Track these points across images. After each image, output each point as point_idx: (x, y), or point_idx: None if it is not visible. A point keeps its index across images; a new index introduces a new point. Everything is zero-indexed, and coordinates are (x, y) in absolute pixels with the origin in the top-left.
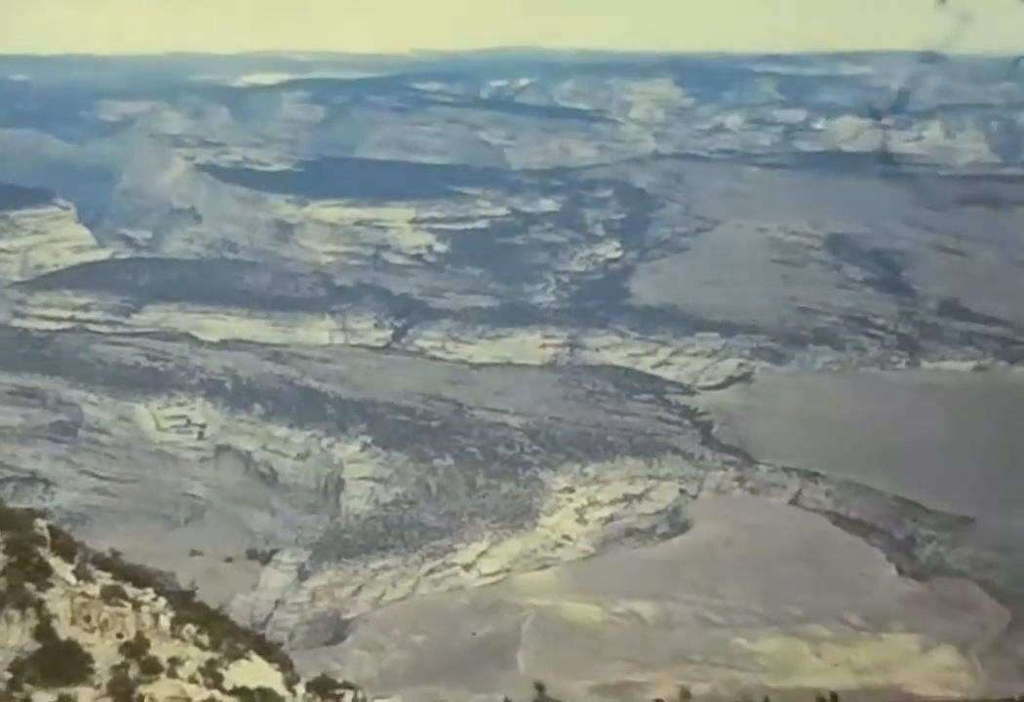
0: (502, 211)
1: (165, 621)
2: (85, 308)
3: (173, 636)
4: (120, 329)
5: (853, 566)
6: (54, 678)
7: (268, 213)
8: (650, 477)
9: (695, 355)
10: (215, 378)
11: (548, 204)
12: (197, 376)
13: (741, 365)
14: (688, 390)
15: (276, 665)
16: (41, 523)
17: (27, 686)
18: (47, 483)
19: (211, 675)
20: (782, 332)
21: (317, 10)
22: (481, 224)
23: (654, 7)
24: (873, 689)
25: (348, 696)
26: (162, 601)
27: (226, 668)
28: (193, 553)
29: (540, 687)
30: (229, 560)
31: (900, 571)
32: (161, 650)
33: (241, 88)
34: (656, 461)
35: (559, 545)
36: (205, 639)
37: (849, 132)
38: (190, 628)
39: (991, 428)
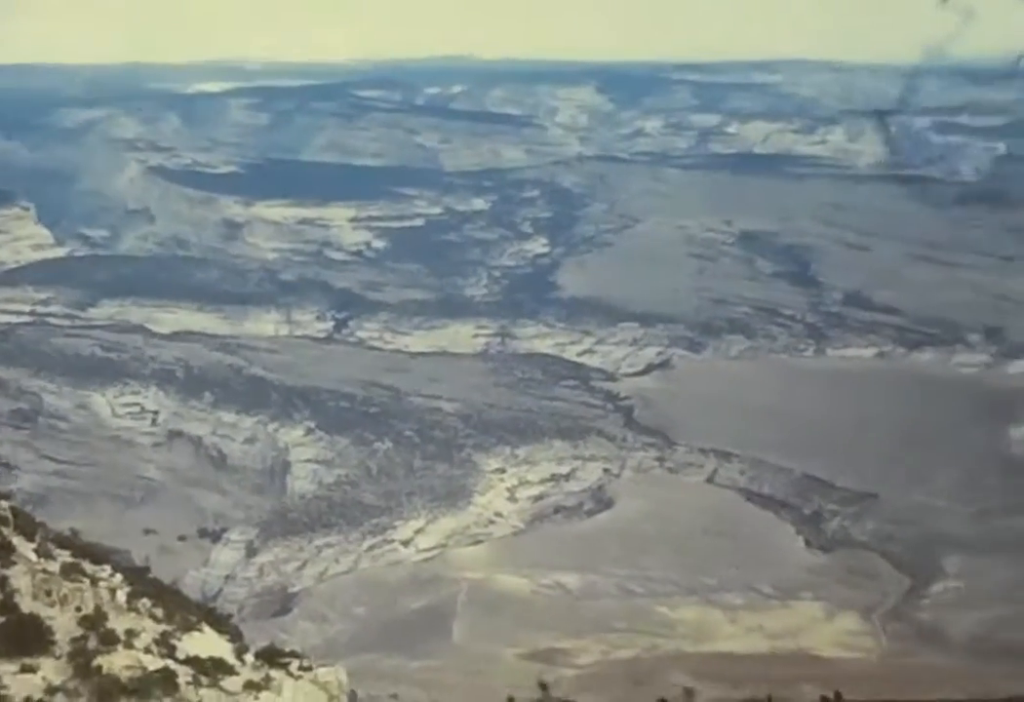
0: (437, 210)
1: (121, 595)
2: (45, 303)
3: (129, 610)
4: (78, 322)
5: (764, 539)
6: (17, 649)
7: (217, 213)
8: (576, 458)
9: (617, 344)
10: (167, 368)
11: (480, 203)
12: (150, 366)
13: (660, 353)
14: (611, 376)
15: (226, 636)
16: (4, 504)
17: None
18: (9, 467)
19: (165, 646)
20: (698, 322)
21: (262, 21)
22: (417, 222)
23: (578, 18)
24: (782, 653)
25: (294, 664)
26: (118, 577)
27: (179, 639)
28: (147, 532)
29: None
30: (181, 538)
31: (808, 543)
32: (118, 623)
33: (191, 95)
34: (581, 443)
35: (491, 522)
36: (159, 612)
37: (759, 135)
38: (145, 602)
39: (891, 410)
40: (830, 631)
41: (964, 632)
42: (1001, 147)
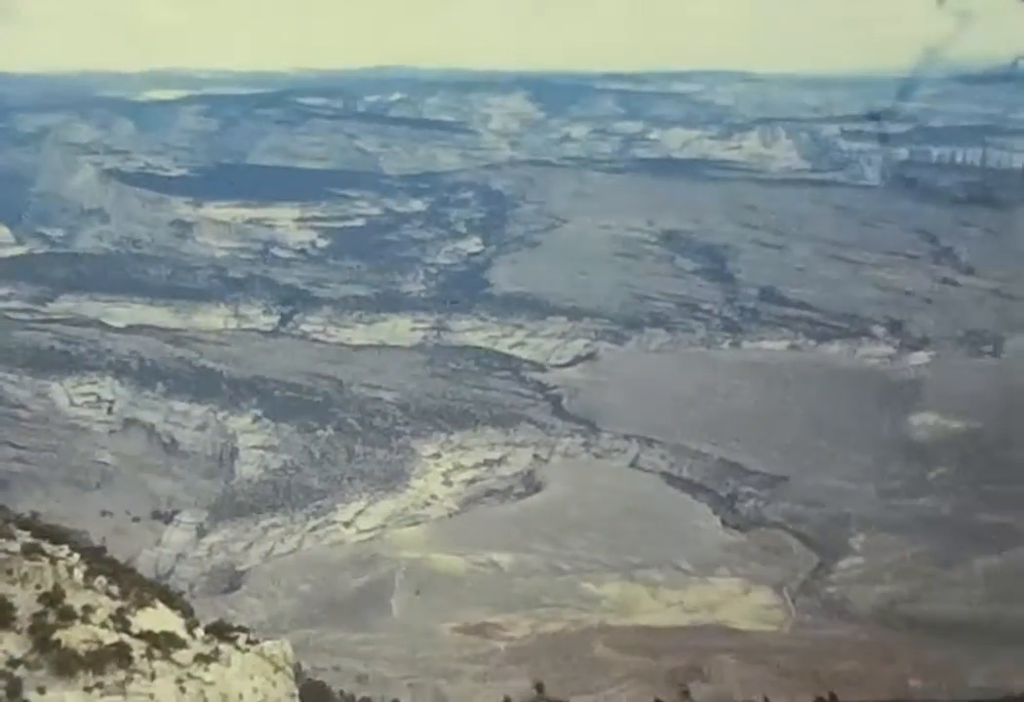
0: (377, 211)
1: (79, 574)
2: (5, 298)
3: (86, 587)
4: (37, 316)
5: (683, 519)
6: None
7: (168, 213)
8: (507, 444)
9: (547, 337)
10: (122, 359)
11: (417, 204)
12: (106, 358)
13: (587, 345)
14: (540, 368)
15: (178, 612)
16: None
17: None
18: None
19: (120, 621)
20: (622, 316)
21: (210, 32)
22: (358, 222)
23: (510, 31)
24: (700, 626)
25: (242, 638)
26: (76, 556)
27: (134, 615)
28: (103, 514)
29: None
30: (136, 520)
31: (724, 523)
32: (76, 599)
33: (143, 102)
34: (512, 430)
35: (427, 504)
36: (115, 589)
37: (679, 141)
38: (101, 580)
39: (802, 399)
40: (745, 605)
41: (868, 605)
42: (904, 153)
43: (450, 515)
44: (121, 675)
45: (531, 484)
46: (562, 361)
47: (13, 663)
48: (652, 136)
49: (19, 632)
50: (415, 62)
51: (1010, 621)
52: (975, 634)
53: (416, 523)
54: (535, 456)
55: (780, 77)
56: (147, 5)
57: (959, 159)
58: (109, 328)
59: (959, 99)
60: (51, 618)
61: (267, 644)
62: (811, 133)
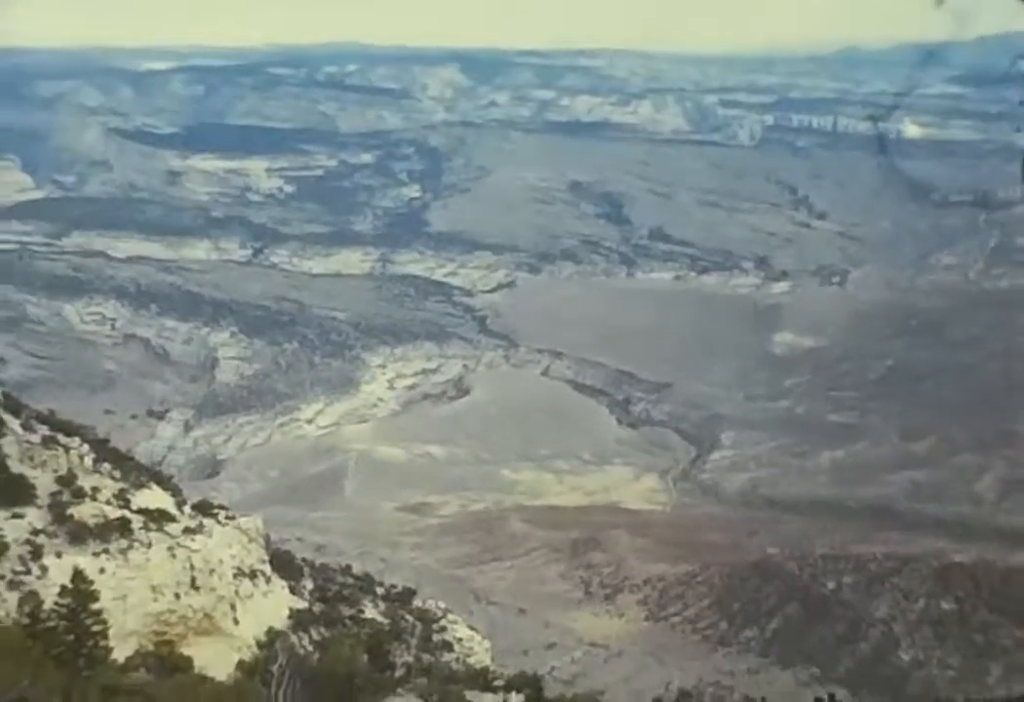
0: (333, 163)
1: (88, 461)
2: (27, 234)
3: (94, 471)
4: (53, 249)
5: (586, 418)
6: (8, 501)
7: (161, 164)
8: (441, 356)
9: (474, 268)
10: (123, 285)
11: (367, 158)
12: (109, 283)
13: (507, 275)
14: (469, 293)
15: (169, 492)
16: None
17: None
18: (1, 361)
19: (122, 499)
20: (537, 251)
21: (197, 13)
22: (318, 172)
23: (444, 12)
24: (599, 504)
25: (222, 514)
26: (85, 446)
27: (133, 494)
28: (107, 412)
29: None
30: (134, 417)
31: (619, 422)
32: (85, 481)
33: (141, 72)
34: (445, 344)
35: (375, 405)
36: (117, 474)
37: (585, 108)
38: (106, 466)
39: (684, 320)
40: (635, 488)
41: (735, 488)
42: (770, 119)
43: (393, 414)
44: (123, 543)
45: (460, 389)
46: (487, 288)
47: (35, 533)
48: (563, 103)
49: (40, 508)
50: (366, 39)
51: (850, 501)
52: (821, 511)
53: (365, 421)
54: (464, 366)
55: (668, 55)
56: None
57: (815, 124)
58: (112, 259)
59: (815, 76)
60: (66, 496)
61: (242, 519)
62: (694, 102)
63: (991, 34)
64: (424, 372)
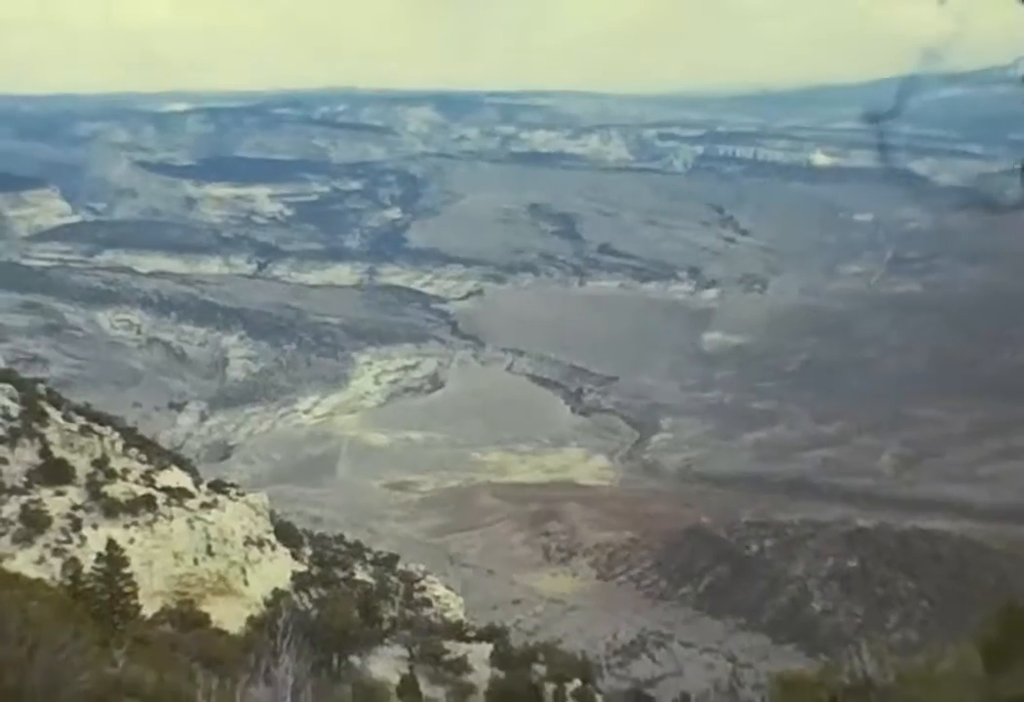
0: (327, 189)
1: (119, 446)
2: (67, 252)
3: (124, 455)
4: (87, 265)
5: (544, 408)
6: (52, 481)
7: (180, 191)
8: (419, 355)
9: (447, 279)
10: (147, 295)
11: (355, 185)
12: (136, 294)
13: (476, 284)
14: (443, 300)
15: (188, 473)
16: (41, 386)
17: (36, 485)
18: (44, 361)
19: (148, 479)
20: (501, 264)
21: (210, 62)
22: (314, 197)
23: (420, 60)
24: (557, 481)
25: (233, 492)
26: (116, 434)
27: (157, 475)
28: (135, 405)
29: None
30: (157, 409)
31: (572, 410)
32: (117, 464)
33: (163, 113)
34: (423, 345)
35: (363, 398)
36: (143, 457)
37: (542, 140)
38: (134, 450)
39: (629, 322)
40: (587, 467)
41: (672, 467)
42: (700, 149)
43: (378, 405)
44: (149, 516)
45: (436, 383)
46: (458, 296)
47: (75, 508)
48: (523, 136)
49: (78, 486)
50: (355, 84)
51: (769, 477)
52: (746, 485)
53: (354, 411)
54: (439, 363)
55: (613, 95)
56: (167, 46)
57: (738, 154)
58: (137, 273)
59: (738, 113)
60: (100, 476)
61: (250, 496)
62: (635, 135)
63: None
64: (405, 369)
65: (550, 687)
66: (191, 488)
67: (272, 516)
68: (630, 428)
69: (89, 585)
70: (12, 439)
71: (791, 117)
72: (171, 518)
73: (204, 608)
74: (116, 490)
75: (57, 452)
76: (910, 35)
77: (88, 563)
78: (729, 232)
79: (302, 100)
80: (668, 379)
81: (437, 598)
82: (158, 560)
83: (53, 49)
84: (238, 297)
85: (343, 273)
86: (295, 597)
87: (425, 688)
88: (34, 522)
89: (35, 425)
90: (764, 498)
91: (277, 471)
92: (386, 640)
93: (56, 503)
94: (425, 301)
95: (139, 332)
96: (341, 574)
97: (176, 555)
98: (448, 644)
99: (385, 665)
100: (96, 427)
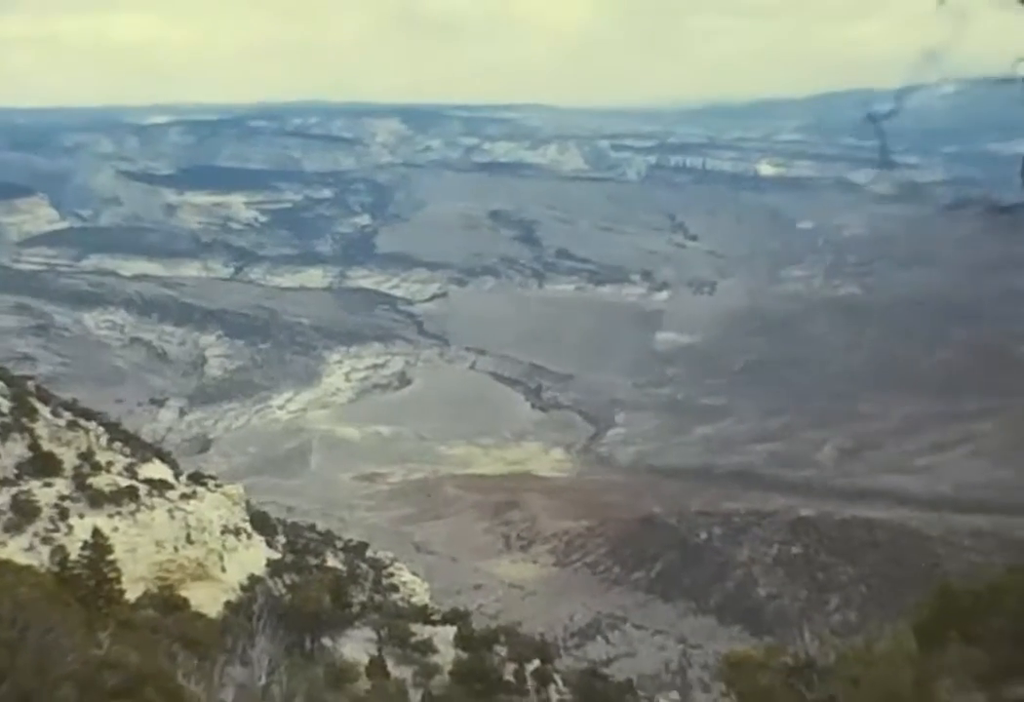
0: (299, 197)
1: (103, 440)
2: (54, 257)
3: (108, 449)
4: (74, 269)
5: (505, 404)
6: (40, 473)
7: (160, 199)
8: (387, 353)
9: (414, 282)
10: (130, 297)
11: (327, 193)
12: (119, 296)
13: (440, 287)
14: (410, 302)
15: (168, 465)
16: (31, 383)
17: (26, 476)
18: (33, 360)
19: (131, 471)
20: (464, 268)
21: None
22: (287, 205)
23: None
24: (517, 473)
25: (211, 483)
26: (101, 428)
27: (139, 467)
28: (118, 401)
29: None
30: (140, 404)
31: (532, 406)
32: (102, 456)
33: (145, 125)
34: (391, 344)
35: (334, 394)
36: (127, 450)
37: (503, 150)
38: (118, 444)
39: (585, 323)
40: (546, 460)
41: (626, 459)
42: (652, 160)
43: (349, 401)
44: (132, 506)
45: (403, 380)
46: (424, 298)
47: (62, 498)
48: (485, 147)
49: (66, 478)
50: (326, 97)
51: (717, 468)
52: (694, 477)
53: (326, 406)
54: (406, 362)
55: (571, 109)
56: (151, 63)
57: (688, 164)
58: (121, 277)
59: (687, 126)
60: (86, 469)
61: (227, 487)
62: (591, 146)
63: (837, 91)
64: (374, 367)
65: (511, 667)
66: (171, 480)
67: (248, 506)
68: (586, 423)
69: (76, 571)
70: (3, 434)
71: (738, 129)
72: (153, 508)
73: (184, 593)
74: (101, 482)
75: (45, 446)
76: (848, 53)
77: (75, 550)
78: (679, 238)
79: (277, 113)
80: (622, 376)
81: (404, 584)
82: (141, 548)
83: (45, 65)
84: (216, 299)
85: (315, 276)
86: (270, 583)
87: (393, 668)
88: (24, 512)
89: (25, 420)
90: (713, 489)
91: (253, 463)
92: (356, 623)
93: (45, 494)
94: (393, 303)
95: (122, 332)
96: (313, 561)
97: (158, 543)
98: (414, 627)
99: (355, 647)
100: (82, 422)
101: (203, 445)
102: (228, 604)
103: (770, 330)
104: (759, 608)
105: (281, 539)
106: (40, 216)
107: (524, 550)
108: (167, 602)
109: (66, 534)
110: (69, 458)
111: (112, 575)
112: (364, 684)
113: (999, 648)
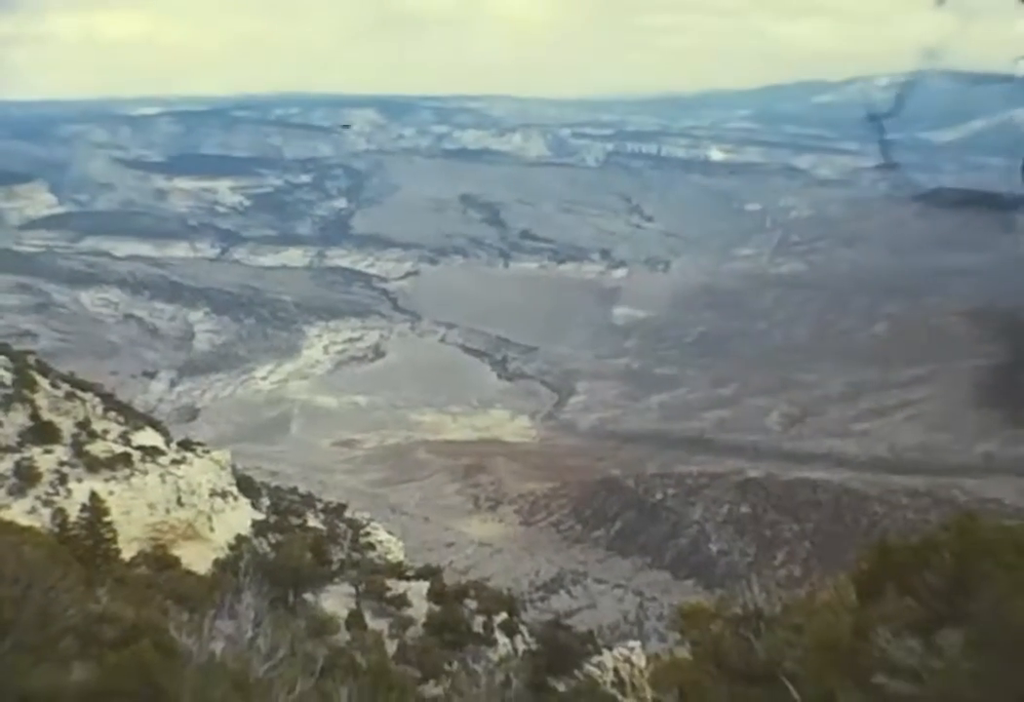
0: (280, 182)
1: (99, 410)
2: (53, 239)
3: (104, 418)
4: (72, 250)
5: (473, 374)
6: (41, 441)
7: (152, 184)
8: (363, 328)
9: (388, 260)
10: (123, 277)
11: (306, 178)
12: (114, 276)
13: (413, 266)
14: (384, 280)
15: (160, 433)
16: (31, 357)
17: (27, 444)
18: (34, 335)
19: (124, 439)
20: (435, 247)
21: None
22: (269, 189)
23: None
24: (485, 438)
25: (200, 449)
26: (97, 399)
27: (133, 435)
28: (112, 373)
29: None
30: (133, 377)
31: (499, 376)
32: (98, 425)
33: (137, 116)
34: (367, 319)
35: (313, 366)
36: (121, 419)
37: (472, 138)
38: (112, 413)
39: (547, 299)
40: (512, 426)
41: (587, 425)
42: (610, 146)
43: (327, 372)
44: (127, 472)
45: (378, 353)
46: (397, 276)
47: (61, 464)
48: (454, 135)
49: (65, 445)
50: (306, 88)
51: (672, 433)
52: (651, 441)
53: (306, 377)
54: (381, 335)
55: (534, 99)
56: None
57: (643, 151)
58: (115, 257)
59: (642, 115)
60: (83, 437)
61: (215, 453)
62: (553, 134)
63: (781, 83)
64: (351, 340)
65: (480, 619)
66: (163, 446)
67: (234, 471)
68: (549, 392)
69: (75, 532)
70: (6, 404)
71: (690, 118)
72: (146, 473)
73: (175, 552)
74: (97, 449)
75: (45, 415)
76: (793, 47)
77: (74, 513)
78: (636, 219)
79: (259, 104)
80: (583, 348)
81: (380, 542)
82: (135, 510)
83: (41, 61)
84: (203, 278)
85: (295, 256)
86: (255, 542)
87: (370, 621)
88: (26, 477)
89: (26, 392)
90: (667, 452)
91: (238, 431)
92: (335, 579)
93: (45, 460)
94: (368, 281)
95: (116, 309)
96: (295, 521)
97: (150, 505)
98: (390, 582)
99: (335, 601)
100: (79, 393)
101: (192, 414)
102: (216, 562)
103: (720, 305)
104: (711, 563)
105: (265, 501)
106: (39, 201)
107: (492, 510)
108: (160, 560)
109: (65, 498)
110: (67, 427)
111: (108, 536)
112: (344, 636)
113: (933, 599)
